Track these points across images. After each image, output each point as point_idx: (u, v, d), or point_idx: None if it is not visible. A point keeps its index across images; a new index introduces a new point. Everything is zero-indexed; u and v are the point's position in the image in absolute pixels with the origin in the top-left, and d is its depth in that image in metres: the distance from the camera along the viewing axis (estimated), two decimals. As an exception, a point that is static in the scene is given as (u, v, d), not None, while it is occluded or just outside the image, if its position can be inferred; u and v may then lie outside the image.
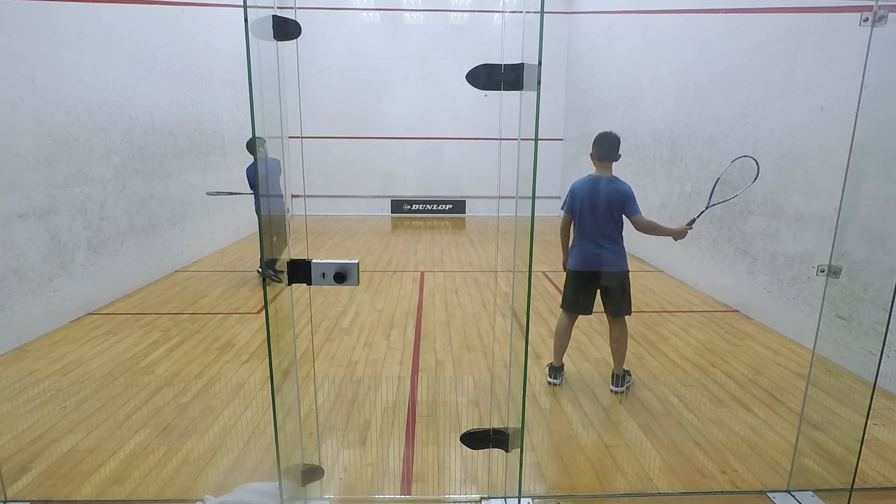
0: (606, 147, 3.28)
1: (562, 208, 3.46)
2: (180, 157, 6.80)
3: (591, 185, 3.31)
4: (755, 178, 3.43)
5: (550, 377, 3.58)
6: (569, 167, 11.85)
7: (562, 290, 3.65)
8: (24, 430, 2.90)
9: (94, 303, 5.05)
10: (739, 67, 5.23)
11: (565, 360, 3.89)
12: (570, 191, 3.41)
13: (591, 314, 3.52)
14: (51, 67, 4.48)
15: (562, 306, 3.57)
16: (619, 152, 3.32)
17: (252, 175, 5.46)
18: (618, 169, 3.42)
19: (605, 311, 3.46)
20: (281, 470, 1.94)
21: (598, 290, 3.44)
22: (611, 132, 3.31)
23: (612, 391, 3.47)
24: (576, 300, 3.49)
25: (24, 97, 4.18)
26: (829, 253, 2.31)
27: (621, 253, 3.36)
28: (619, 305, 3.41)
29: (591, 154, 3.37)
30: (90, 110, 5.00)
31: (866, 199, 2.40)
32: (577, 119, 11.14)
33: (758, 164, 3.39)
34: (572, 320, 3.57)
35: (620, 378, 3.47)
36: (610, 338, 3.50)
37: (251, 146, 5.62)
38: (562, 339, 3.55)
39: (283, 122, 1.82)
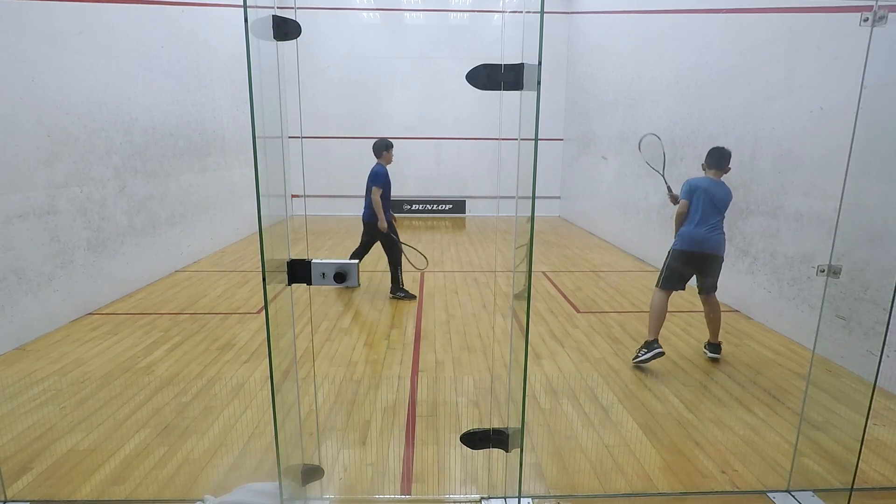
0: (716, 158, 3.90)
1: (682, 197, 3.93)
2: (180, 157, 6.79)
3: (711, 183, 3.88)
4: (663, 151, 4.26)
5: (646, 350, 3.85)
6: (569, 167, 11.85)
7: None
8: (24, 430, 2.90)
9: (94, 303, 5.05)
10: (739, 67, 5.23)
11: (574, 357, 3.89)
12: (690, 186, 3.91)
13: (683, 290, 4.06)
14: (51, 67, 4.48)
15: (661, 286, 3.99)
16: (730, 165, 3.92)
17: (376, 178, 5.33)
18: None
19: (701, 290, 4.00)
20: (281, 470, 1.94)
21: (696, 269, 3.96)
22: (723, 147, 3.93)
23: (710, 358, 4.00)
24: (679, 276, 3.97)
25: (24, 97, 4.18)
26: (829, 253, 2.31)
27: (724, 239, 3.97)
28: (715, 282, 3.95)
29: (703, 164, 3.97)
30: (90, 110, 5.00)
31: (866, 199, 2.40)
32: (577, 119, 11.14)
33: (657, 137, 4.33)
34: (667, 297, 3.98)
35: (718, 346, 4.02)
36: (706, 314, 4.05)
37: (378, 148, 5.43)
38: (661, 315, 3.93)
39: (283, 122, 1.82)
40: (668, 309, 3.91)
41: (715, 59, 5.67)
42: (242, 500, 2.21)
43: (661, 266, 4.09)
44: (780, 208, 4.59)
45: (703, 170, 3.95)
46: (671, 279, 3.94)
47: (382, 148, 5.43)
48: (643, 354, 3.84)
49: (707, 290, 3.96)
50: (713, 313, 4.00)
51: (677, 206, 3.95)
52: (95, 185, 5.07)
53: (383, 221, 5.38)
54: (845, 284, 3.58)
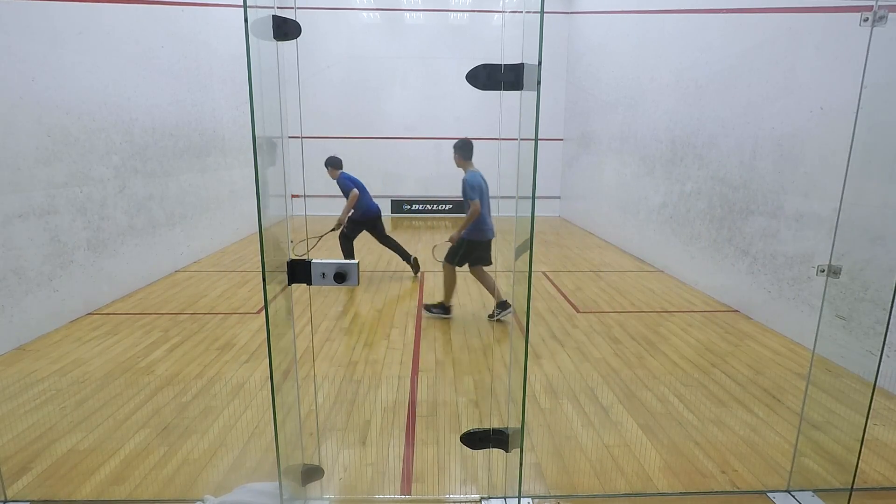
0: (471, 149, 4.62)
1: (474, 198, 4.51)
2: (180, 157, 6.79)
3: (481, 174, 4.63)
4: None
5: (500, 310, 4.76)
6: (569, 167, 11.85)
7: (470, 275, 5.03)
8: (24, 430, 2.90)
9: (94, 303, 5.05)
10: (739, 67, 5.23)
11: (574, 357, 3.90)
12: (477, 185, 4.51)
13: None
14: (51, 67, 4.48)
15: (473, 265, 4.80)
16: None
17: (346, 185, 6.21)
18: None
19: (484, 265, 4.83)
20: (281, 470, 1.94)
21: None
22: (469, 139, 4.63)
23: (499, 319, 4.78)
24: (485, 257, 4.79)
25: (24, 97, 4.18)
26: (829, 253, 2.31)
27: None
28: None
29: (460, 157, 4.62)
30: (90, 110, 5.00)
31: (866, 199, 2.40)
32: (577, 119, 11.14)
33: None
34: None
35: (506, 303, 4.75)
36: (483, 283, 4.90)
37: (330, 163, 6.25)
38: (491, 279, 4.88)
39: (283, 122, 1.82)
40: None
41: (715, 59, 5.67)
42: (242, 500, 2.21)
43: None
44: (780, 208, 4.59)
45: (461, 161, 4.62)
46: (469, 259, 4.75)
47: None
48: (499, 314, 4.74)
49: (486, 263, 4.82)
50: (486, 280, 4.81)
51: (473, 208, 4.54)
52: (95, 185, 5.07)
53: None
54: (845, 284, 3.59)
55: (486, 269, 4.84)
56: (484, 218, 4.59)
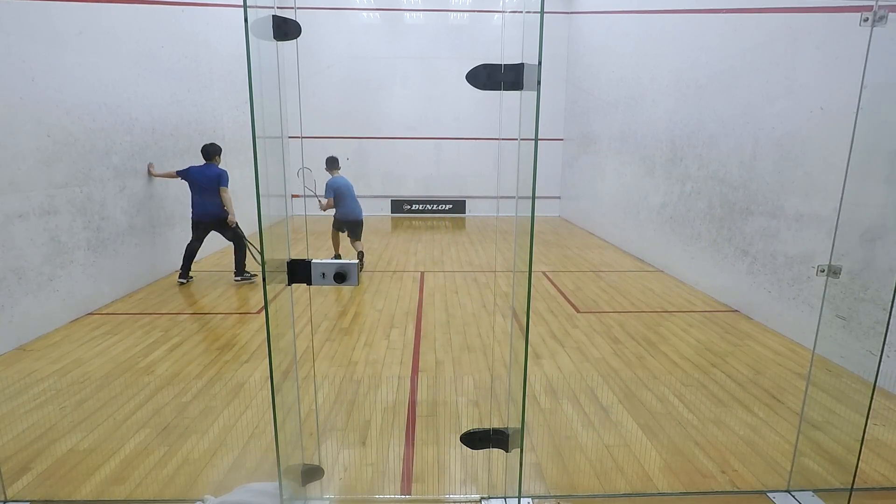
0: (334, 163, 6.63)
1: (327, 196, 6.54)
2: (181, 157, 6.79)
3: (346, 181, 6.56)
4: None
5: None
6: (569, 167, 11.85)
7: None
8: (24, 430, 2.90)
9: (94, 303, 5.05)
10: (739, 67, 5.23)
11: (574, 357, 3.90)
12: (330, 187, 6.49)
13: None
14: (51, 67, 4.48)
15: (339, 229, 6.88)
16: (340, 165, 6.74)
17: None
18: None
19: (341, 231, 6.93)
20: (281, 470, 1.94)
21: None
22: (333, 156, 6.73)
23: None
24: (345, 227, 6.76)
25: (24, 97, 4.18)
26: (829, 253, 2.31)
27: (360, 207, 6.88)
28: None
29: (327, 168, 6.63)
30: (90, 110, 5.00)
31: (866, 199, 2.40)
32: (577, 119, 11.14)
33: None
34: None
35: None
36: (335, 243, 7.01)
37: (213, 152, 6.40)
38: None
39: (283, 122, 1.82)
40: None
41: (715, 59, 5.67)
42: (242, 500, 2.21)
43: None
44: (780, 208, 4.59)
45: (328, 171, 6.54)
46: (342, 227, 6.70)
47: (216, 153, 6.28)
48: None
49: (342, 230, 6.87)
50: (336, 242, 6.89)
51: (326, 202, 6.58)
52: (95, 185, 5.07)
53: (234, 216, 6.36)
54: (845, 284, 3.59)
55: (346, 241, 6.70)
56: (341, 207, 6.53)
